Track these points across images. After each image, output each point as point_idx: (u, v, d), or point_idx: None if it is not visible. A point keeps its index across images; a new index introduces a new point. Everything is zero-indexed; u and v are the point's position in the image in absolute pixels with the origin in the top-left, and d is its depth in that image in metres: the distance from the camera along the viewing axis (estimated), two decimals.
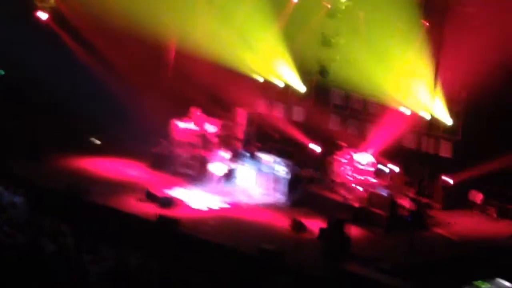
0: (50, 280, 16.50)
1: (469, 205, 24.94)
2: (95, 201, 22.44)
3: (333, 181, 24.90)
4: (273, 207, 24.21)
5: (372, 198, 23.28)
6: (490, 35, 23.98)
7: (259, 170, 25.31)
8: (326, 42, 23.51)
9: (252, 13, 26.92)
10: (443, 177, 25.01)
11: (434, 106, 21.93)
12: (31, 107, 27.70)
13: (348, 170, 24.48)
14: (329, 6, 24.40)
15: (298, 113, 28.76)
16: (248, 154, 26.19)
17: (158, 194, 23.08)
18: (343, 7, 23.55)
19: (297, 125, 28.44)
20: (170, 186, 24.50)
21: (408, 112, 25.92)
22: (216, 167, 24.31)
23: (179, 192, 24.08)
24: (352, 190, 23.99)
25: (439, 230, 23.16)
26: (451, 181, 24.95)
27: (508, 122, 24.51)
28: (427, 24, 25.04)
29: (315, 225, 21.92)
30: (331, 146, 26.26)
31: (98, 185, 23.73)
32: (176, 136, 26.91)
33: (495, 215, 24.41)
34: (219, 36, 27.62)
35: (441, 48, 20.71)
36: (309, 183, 25.39)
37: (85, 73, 28.65)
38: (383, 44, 25.34)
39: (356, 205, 23.47)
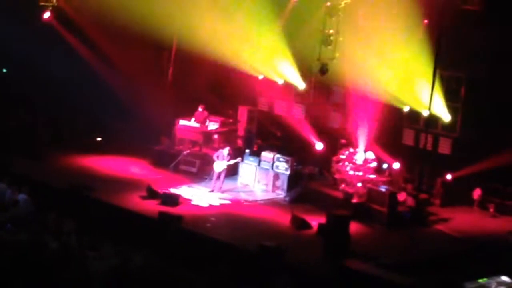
0: (53, 277, 16.62)
1: (468, 202, 25.05)
2: (98, 198, 22.61)
3: (333, 177, 25.04)
4: (273, 203, 24.37)
5: (372, 194, 23.41)
6: (489, 30, 24.16)
7: (260, 167, 25.48)
8: (326, 40, 23.58)
9: (253, 12, 27.02)
10: (442, 174, 25.17)
11: (433, 103, 22.03)
12: (33, 106, 27.85)
13: (348, 166, 24.61)
14: (328, 4, 24.48)
15: (299, 110, 28.90)
16: (249, 151, 26.37)
17: (160, 191, 23.25)
18: (343, 5, 23.62)
19: (298, 122, 28.59)
20: (172, 183, 24.65)
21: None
22: (217, 164, 24.45)
23: (180, 189, 24.24)
24: (352, 187, 24.13)
25: (439, 226, 23.32)
26: (450, 178, 25.09)
27: (507, 118, 24.62)
28: (426, 21, 25.16)
29: (315, 221, 22.08)
30: (331, 143, 26.41)
31: (101, 182, 23.89)
32: (178, 134, 27.06)
33: (494, 212, 24.50)
34: (221, 34, 27.75)
35: (439, 45, 20.78)
36: (309, 179, 25.56)
37: (88, 71, 28.80)
38: (382, 42, 25.45)
39: (356, 201, 23.62)
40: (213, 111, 27.62)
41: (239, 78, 28.59)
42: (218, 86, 29.72)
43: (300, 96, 28.62)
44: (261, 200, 24.53)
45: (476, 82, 25.31)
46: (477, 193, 24.88)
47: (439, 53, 20.77)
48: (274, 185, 25.18)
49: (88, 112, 28.33)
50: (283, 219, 22.60)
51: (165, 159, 26.40)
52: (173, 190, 23.82)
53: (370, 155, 24.83)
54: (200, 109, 27.01)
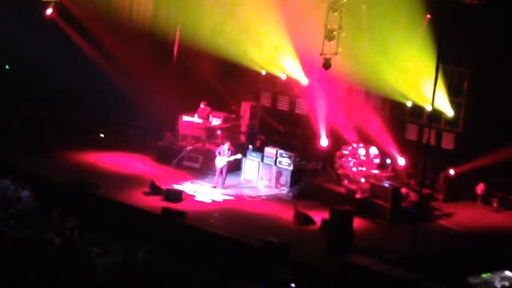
0: (57, 273, 16.64)
1: (472, 197, 25.03)
2: (102, 194, 22.62)
3: (336, 173, 25.01)
4: (276, 199, 24.36)
5: (375, 189, 23.38)
6: (492, 25, 24.12)
7: (263, 163, 25.46)
8: (328, 35, 23.52)
9: (256, 7, 26.99)
10: (446, 169, 25.15)
11: (436, 98, 21.93)
12: (36, 102, 27.84)
13: (351, 162, 24.58)
14: None
15: (301, 106, 28.88)
16: (252, 147, 26.36)
17: (163, 187, 23.26)
18: (346, 0, 23.56)
19: (300, 118, 28.57)
20: (175, 179, 24.65)
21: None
22: (220, 160, 24.44)
23: (183, 185, 24.25)
24: (355, 182, 24.10)
25: (442, 222, 23.29)
26: (453, 173, 25.07)
27: (510, 113, 24.57)
28: (429, 16, 25.12)
29: (318, 217, 22.08)
30: (334, 138, 26.36)
31: (104, 178, 23.91)
32: (181, 130, 27.05)
33: (497, 206, 24.48)
34: (223, 30, 27.73)
35: (442, 40, 20.73)
36: (312, 175, 25.54)
37: (90, 67, 28.81)
38: (385, 37, 25.42)
39: (359, 196, 23.60)
40: (216, 106, 27.58)
41: (242, 73, 28.57)
42: (221, 81, 29.66)
43: (303, 91, 28.54)
44: (264, 195, 24.52)
45: (479, 77, 25.25)
46: (480, 188, 24.85)
47: (441, 48, 20.70)
48: (277, 181, 25.17)
49: (91, 108, 28.32)
50: (286, 214, 22.60)
51: (168, 155, 26.39)
52: (176, 186, 23.83)
53: (374, 150, 24.79)
54: (202, 105, 26.99)
